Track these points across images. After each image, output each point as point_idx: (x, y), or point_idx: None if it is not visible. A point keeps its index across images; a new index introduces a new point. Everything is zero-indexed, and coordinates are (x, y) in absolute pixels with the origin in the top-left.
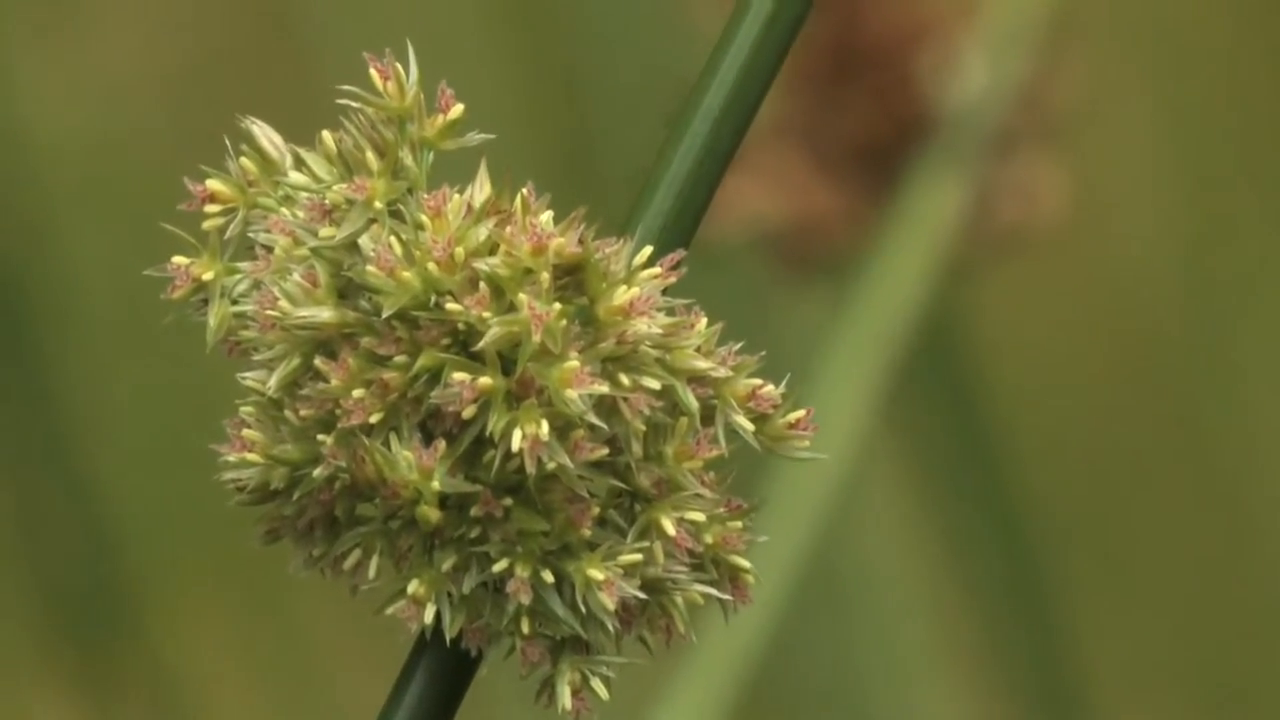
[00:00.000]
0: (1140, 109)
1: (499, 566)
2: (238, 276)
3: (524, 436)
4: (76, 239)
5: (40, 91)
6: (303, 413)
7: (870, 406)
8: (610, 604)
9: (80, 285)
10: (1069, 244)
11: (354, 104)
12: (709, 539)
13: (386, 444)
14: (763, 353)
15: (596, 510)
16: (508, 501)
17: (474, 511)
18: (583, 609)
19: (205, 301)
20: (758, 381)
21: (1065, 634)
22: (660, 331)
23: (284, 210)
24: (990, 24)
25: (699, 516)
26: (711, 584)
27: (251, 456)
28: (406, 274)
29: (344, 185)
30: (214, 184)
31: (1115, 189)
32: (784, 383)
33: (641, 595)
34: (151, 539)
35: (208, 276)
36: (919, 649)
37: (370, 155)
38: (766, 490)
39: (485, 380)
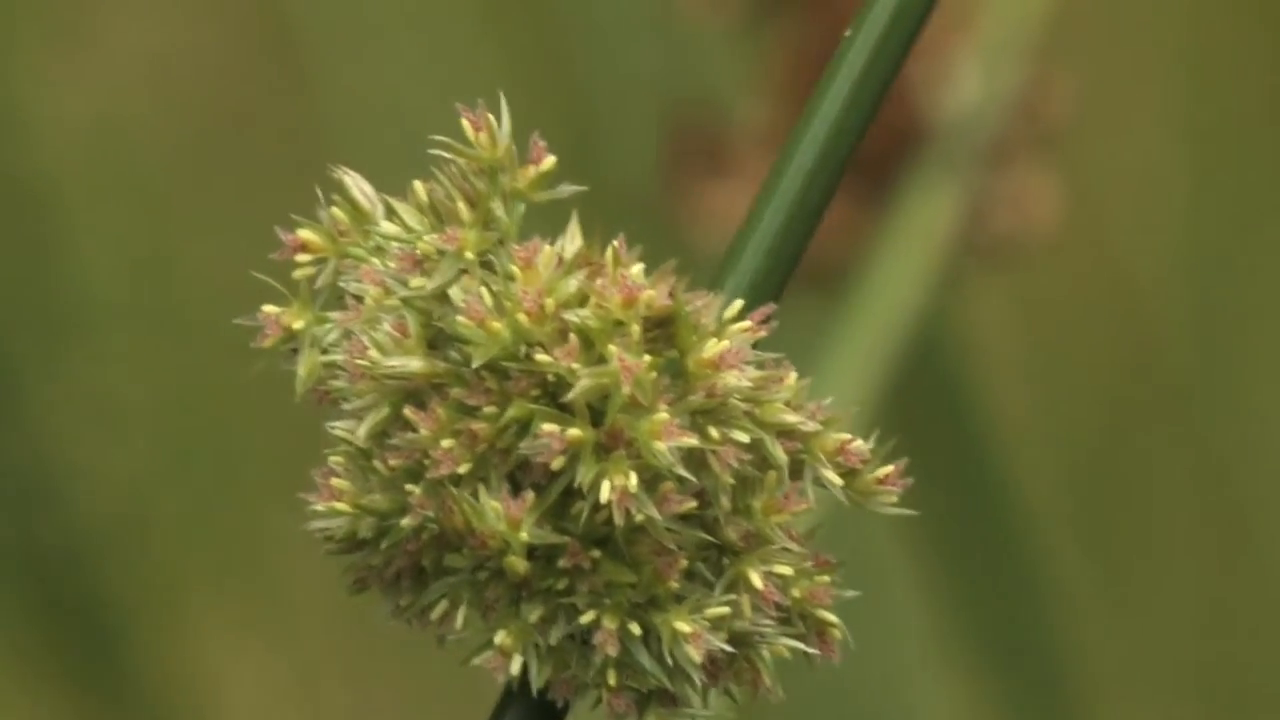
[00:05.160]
0: (1146, 116)
1: (586, 618)
2: (328, 326)
3: (613, 488)
4: (81, 226)
5: (43, 80)
6: (391, 462)
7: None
8: (697, 657)
9: (79, 278)
10: (1071, 252)
11: (445, 154)
12: (796, 593)
13: (475, 494)
14: (856, 408)
15: (684, 563)
16: (595, 553)
17: (562, 563)
18: (669, 661)
19: (295, 350)
20: (846, 436)
21: (1063, 638)
22: (750, 385)
23: (375, 260)
24: (984, 34)
25: (786, 570)
26: (798, 638)
27: (340, 506)
28: (496, 325)
29: (435, 236)
30: (305, 234)
31: (1118, 197)
32: (873, 437)
33: (728, 648)
34: (152, 540)
35: (298, 325)
36: (917, 652)
37: (462, 206)
38: None
39: (574, 432)
